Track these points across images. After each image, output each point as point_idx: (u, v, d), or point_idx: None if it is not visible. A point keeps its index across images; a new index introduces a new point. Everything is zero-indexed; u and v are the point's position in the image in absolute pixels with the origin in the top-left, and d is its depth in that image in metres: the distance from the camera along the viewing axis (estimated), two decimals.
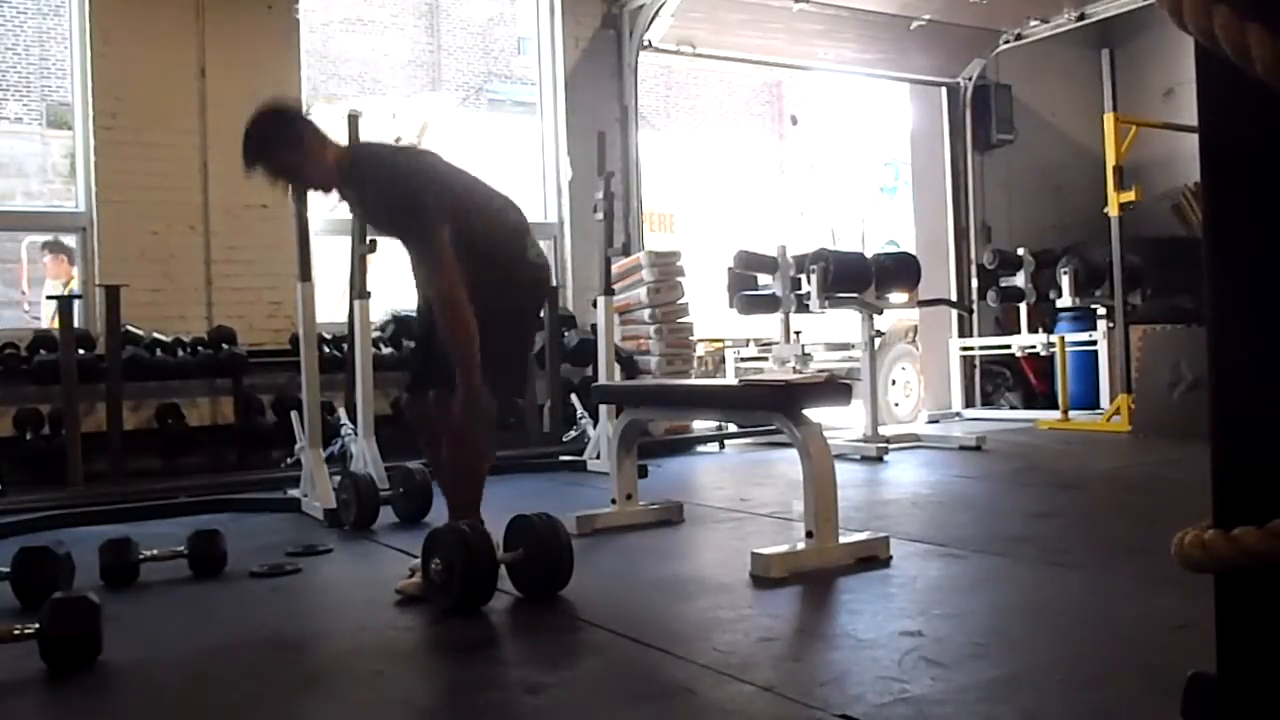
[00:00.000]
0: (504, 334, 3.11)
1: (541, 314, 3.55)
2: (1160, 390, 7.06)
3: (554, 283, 7.69)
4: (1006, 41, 9.66)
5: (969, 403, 9.48)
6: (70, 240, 7.49)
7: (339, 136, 3.26)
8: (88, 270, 6.63)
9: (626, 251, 7.63)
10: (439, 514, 3.69)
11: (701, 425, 7.64)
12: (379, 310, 6.46)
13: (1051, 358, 8.49)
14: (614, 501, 4.28)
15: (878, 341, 7.05)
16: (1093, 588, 3.08)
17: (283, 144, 3.09)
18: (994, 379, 9.74)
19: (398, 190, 3.08)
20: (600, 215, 6.12)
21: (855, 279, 6.75)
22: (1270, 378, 0.97)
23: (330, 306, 7.04)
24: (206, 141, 6.81)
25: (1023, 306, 8.83)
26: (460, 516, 3.15)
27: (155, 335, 6.43)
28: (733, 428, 7.48)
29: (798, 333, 7.22)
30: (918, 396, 9.48)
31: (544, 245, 8.54)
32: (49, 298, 7.46)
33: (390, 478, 4.75)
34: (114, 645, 2.54)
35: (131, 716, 2.33)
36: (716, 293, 7.46)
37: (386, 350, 6.74)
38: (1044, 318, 8.99)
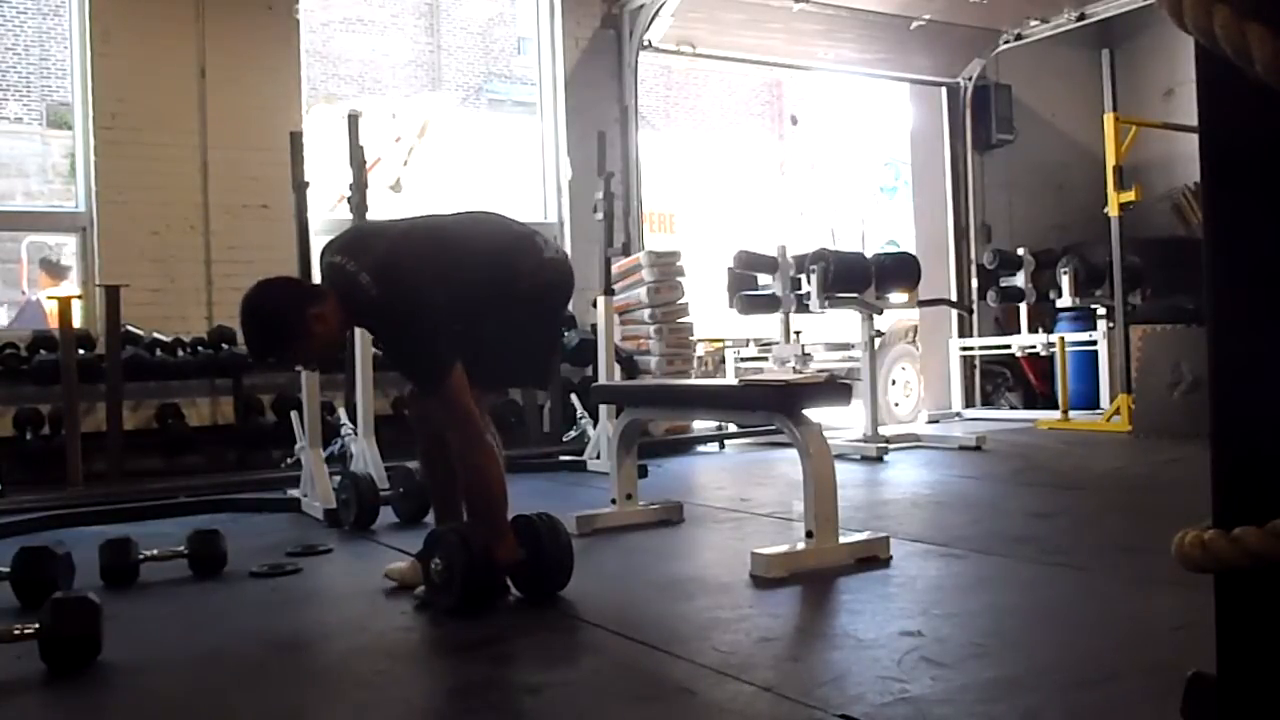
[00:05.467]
0: (541, 337, 3.22)
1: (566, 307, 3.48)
2: (1160, 390, 7.06)
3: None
4: (1006, 41, 9.66)
5: (969, 403, 9.48)
6: (65, 257, 7.49)
7: (321, 286, 3.09)
8: (88, 270, 6.63)
9: (626, 251, 7.63)
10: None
11: (701, 425, 7.64)
12: None
13: (1051, 358, 8.49)
14: (614, 501, 4.28)
15: (878, 341, 7.05)
16: (1093, 588, 3.08)
17: (285, 339, 3.00)
18: (994, 379, 9.74)
19: (396, 349, 3.11)
20: (600, 215, 6.12)
21: (855, 279, 6.75)
22: (1270, 378, 0.97)
23: None
24: (206, 141, 6.81)
25: (1023, 306, 8.83)
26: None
27: (155, 335, 6.44)
28: (733, 428, 7.48)
29: (798, 333, 7.22)
30: (918, 396, 9.48)
31: None
32: (49, 298, 7.47)
33: (390, 478, 4.75)
34: (114, 645, 2.54)
35: (131, 716, 2.32)
36: (716, 293, 7.46)
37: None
38: (1044, 318, 8.99)
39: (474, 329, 3.06)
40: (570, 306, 7.82)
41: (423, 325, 2.95)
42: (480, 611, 2.88)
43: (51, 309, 6.96)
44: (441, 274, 3.03)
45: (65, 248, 8.53)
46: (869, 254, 7.21)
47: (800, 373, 6.36)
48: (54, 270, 9.54)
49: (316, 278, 4.94)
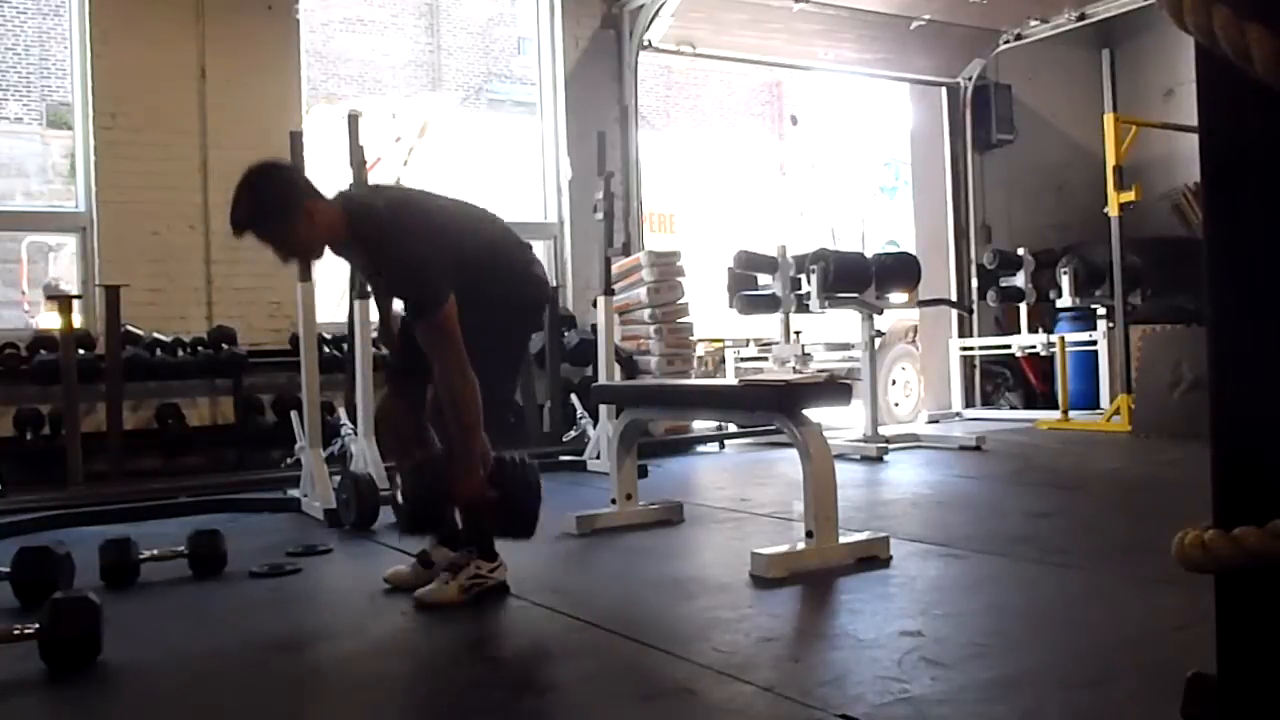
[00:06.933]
0: (501, 348, 3.12)
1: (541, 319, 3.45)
2: (1160, 390, 7.06)
3: (554, 283, 7.72)
4: (1006, 41, 9.66)
5: (969, 403, 9.48)
6: (66, 269, 7.49)
7: (330, 193, 3.10)
8: (88, 270, 6.63)
9: (626, 251, 7.63)
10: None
11: (701, 425, 7.64)
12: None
13: (1051, 358, 8.49)
14: (614, 501, 4.28)
15: (878, 341, 7.05)
16: (1093, 588, 3.08)
17: (274, 213, 2.96)
18: (994, 379, 9.74)
19: (401, 267, 3.00)
20: (600, 215, 6.12)
21: (855, 279, 6.75)
22: (1270, 378, 0.97)
23: (330, 306, 7.03)
24: (206, 141, 6.81)
25: (1023, 306, 8.83)
26: (473, 528, 3.11)
27: (155, 335, 6.43)
28: (733, 428, 7.48)
29: (798, 333, 7.21)
30: (918, 396, 9.48)
31: (544, 245, 8.59)
32: (49, 297, 7.47)
33: (390, 478, 4.74)
34: (114, 645, 2.54)
35: (131, 716, 2.33)
36: (716, 293, 7.46)
37: (386, 350, 6.72)
38: (1044, 318, 8.99)
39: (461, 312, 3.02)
40: (570, 306, 7.89)
41: (426, 250, 2.97)
42: (479, 611, 2.88)
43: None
44: (448, 235, 3.09)
45: (65, 248, 8.54)
46: (869, 254, 7.21)
47: (800, 373, 6.37)
48: (57, 297, 9.54)
49: (316, 277, 4.98)
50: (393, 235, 2.98)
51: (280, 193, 2.99)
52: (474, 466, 2.96)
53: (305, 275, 4.79)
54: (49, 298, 9.57)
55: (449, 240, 3.06)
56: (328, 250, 3.14)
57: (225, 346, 6.50)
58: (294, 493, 5.06)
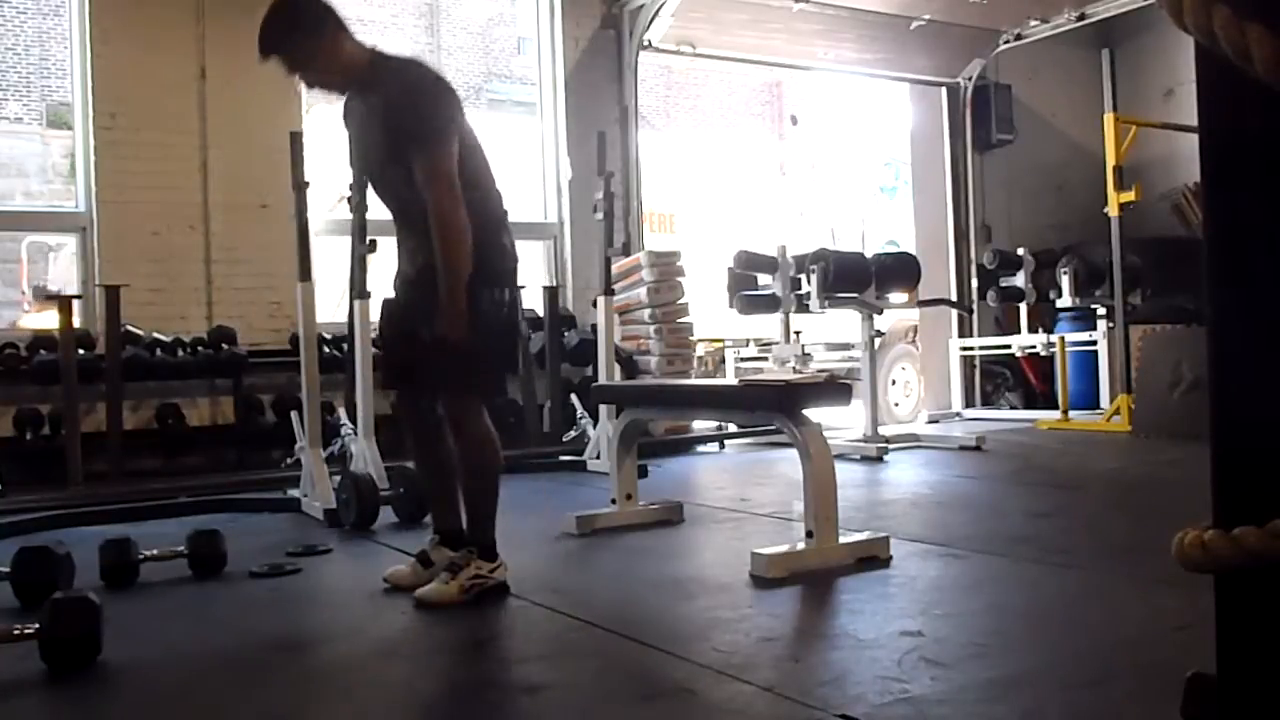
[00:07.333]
0: (487, 323, 3.05)
1: (520, 305, 3.35)
2: (1160, 390, 7.05)
3: (554, 283, 7.72)
4: (1006, 41, 9.66)
5: (969, 403, 9.48)
6: (60, 271, 7.48)
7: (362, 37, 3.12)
8: (88, 270, 6.63)
9: (626, 251, 7.63)
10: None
11: (701, 425, 7.64)
12: (379, 310, 6.45)
13: (1051, 358, 8.49)
14: (614, 501, 4.27)
15: (878, 341, 7.05)
16: (1093, 588, 3.08)
17: (308, 27, 2.96)
18: (994, 379, 9.74)
19: (417, 94, 2.97)
20: (600, 215, 6.12)
21: (855, 279, 6.75)
22: (1270, 378, 0.97)
23: (330, 306, 7.03)
24: (206, 142, 6.81)
25: (1023, 306, 8.82)
26: (481, 528, 3.11)
27: (155, 335, 6.43)
28: (733, 428, 7.48)
29: (798, 333, 7.21)
30: (918, 396, 9.48)
31: (544, 245, 8.58)
32: (48, 297, 7.48)
33: (390, 478, 4.75)
34: (114, 645, 2.54)
35: (131, 716, 2.33)
36: (716, 293, 7.46)
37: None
38: (1044, 318, 8.99)
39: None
40: (570, 306, 7.88)
41: (441, 107, 2.97)
42: (479, 610, 2.88)
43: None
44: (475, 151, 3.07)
45: (65, 248, 8.54)
46: (869, 254, 7.21)
47: (800, 373, 6.36)
48: (46, 299, 9.58)
49: (316, 277, 4.97)
50: (416, 72, 3.04)
51: (317, 10, 3.01)
52: (460, 312, 2.93)
53: (305, 274, 4.78)
54: (38, 299, 9.62)
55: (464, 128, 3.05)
56: (340, 114, 3.13)
57: (225, 346, 6.50)
58: (294, 493, 5.06)
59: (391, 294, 3.32)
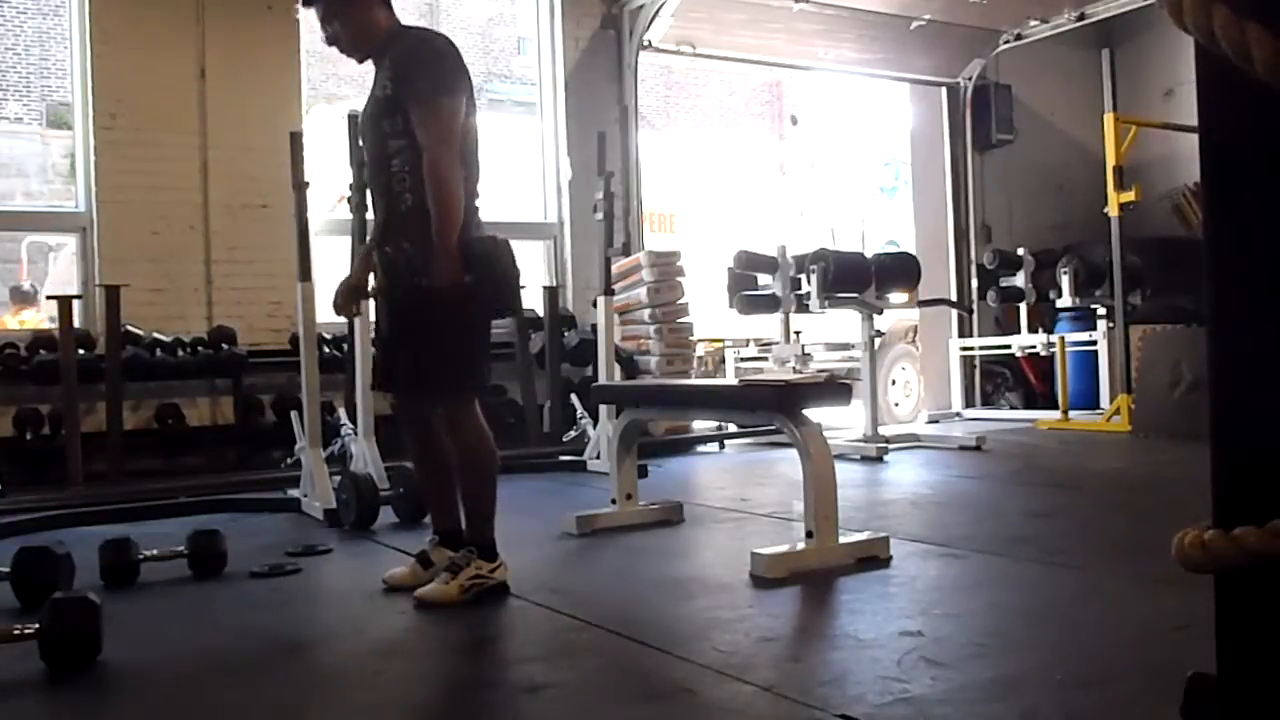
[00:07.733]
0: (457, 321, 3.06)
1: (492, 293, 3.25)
2: (1160, 390, 7.05)
3: (554, 283, 7.72)
4: (1006, 41, 9.66)
5: (969, 403, 9.48)
6: (45, 273, 7.47)
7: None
8: (88, 270, 6.63)
9: (626, 251, 7.63)
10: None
11: (701, 425, 7.64)
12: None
13: (1051, 358, 8.49)
14: (614, 501, 4.27)
15: (878, 341, 7.05)
16: (1093, 588, 3.08)
17: None
18: (994, 379, 9.74)
19: (438, 53, 3.05)
20: (600, 215, 6.12)
21: (855, 279, 6.75)
22: (1270, 378, 0.97)
23: (330, 307, 7.02)
24: (206, 141, 6.81)
25: (1023, 306, 8.82)
26: (480, 528, 3.11)
27: (155, 335, 6.43)
28: (733, 428, 7.48)
29: (798, 333, 7.22)
30: (918, 396, 9.48)
31: (544, 245, 8.59)
32: (49, 297, 7.47)
33: (390, 478, 4.75)
34: (114, 645, 2.54)
35: (131, 716, 2.33)
36: (716, 293, 7.46)
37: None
38: (1044, 318, 8.99)
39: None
40: (570, 306, 7.89)
41: (457, 73, 3.04)
42: (479, 610, 2.88)
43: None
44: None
45: (65, 248, 8.54)
46: (869, 254, 7.21)
47: (800, 373, 6.37)
48: (24, 299, 9.64)
49: (316, 277, 4.97)
50: (438, 41, 3.12)
51: None
52: (452, 258, 2.95)
53: (305, 274, 4.78)
54: (14, 300, 9.65)
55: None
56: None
57: (225, 346, 6.50)
58: (294, 493, 5.06)
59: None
